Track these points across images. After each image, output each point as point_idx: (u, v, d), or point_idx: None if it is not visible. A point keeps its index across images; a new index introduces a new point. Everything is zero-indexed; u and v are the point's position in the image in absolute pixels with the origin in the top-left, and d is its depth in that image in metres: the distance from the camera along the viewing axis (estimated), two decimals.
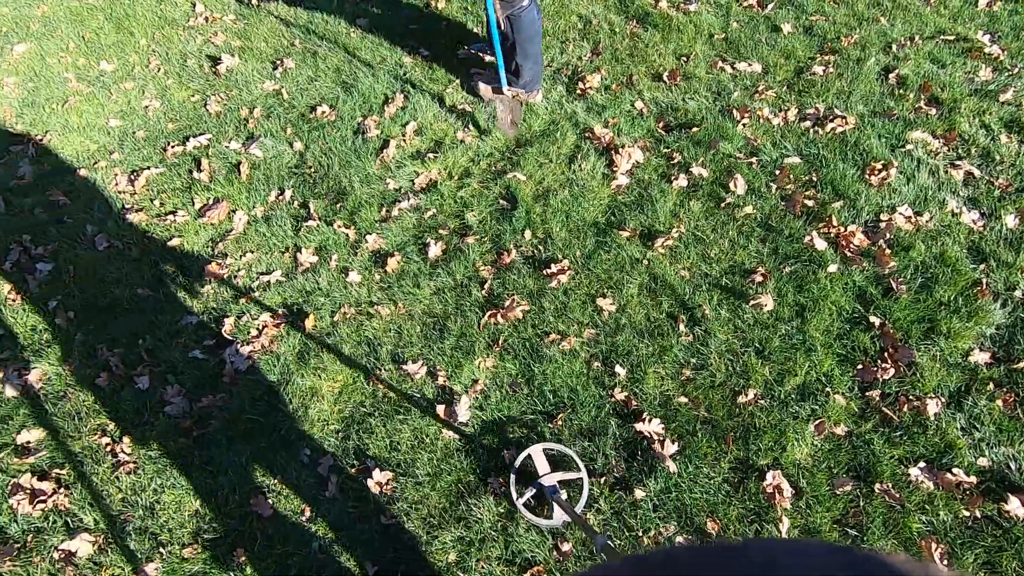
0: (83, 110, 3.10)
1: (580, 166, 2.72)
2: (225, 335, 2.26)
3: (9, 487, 1.93)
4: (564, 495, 1.73)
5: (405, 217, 2.58)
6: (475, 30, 3.39)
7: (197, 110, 3.07)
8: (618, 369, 2.10)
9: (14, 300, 2.40)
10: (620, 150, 2.74)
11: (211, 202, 2.67)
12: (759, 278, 2.29)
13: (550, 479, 1.74)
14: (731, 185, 2.57)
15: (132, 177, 2.78)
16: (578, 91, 3.02)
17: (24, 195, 2.73)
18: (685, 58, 3.14)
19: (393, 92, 3.07)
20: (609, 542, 1.21)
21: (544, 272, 2.36)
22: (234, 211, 2.63)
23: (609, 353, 2.15)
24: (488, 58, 3.19)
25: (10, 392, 2.12)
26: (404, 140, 2.87)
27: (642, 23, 3.34)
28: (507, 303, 2.26)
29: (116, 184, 2.76)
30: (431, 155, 2.78)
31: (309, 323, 2.26)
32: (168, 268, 2.47)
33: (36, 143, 2.92)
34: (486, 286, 2.35)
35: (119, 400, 2.12)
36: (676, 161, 2.70)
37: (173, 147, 2.90)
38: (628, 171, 2.71)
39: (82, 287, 2.43)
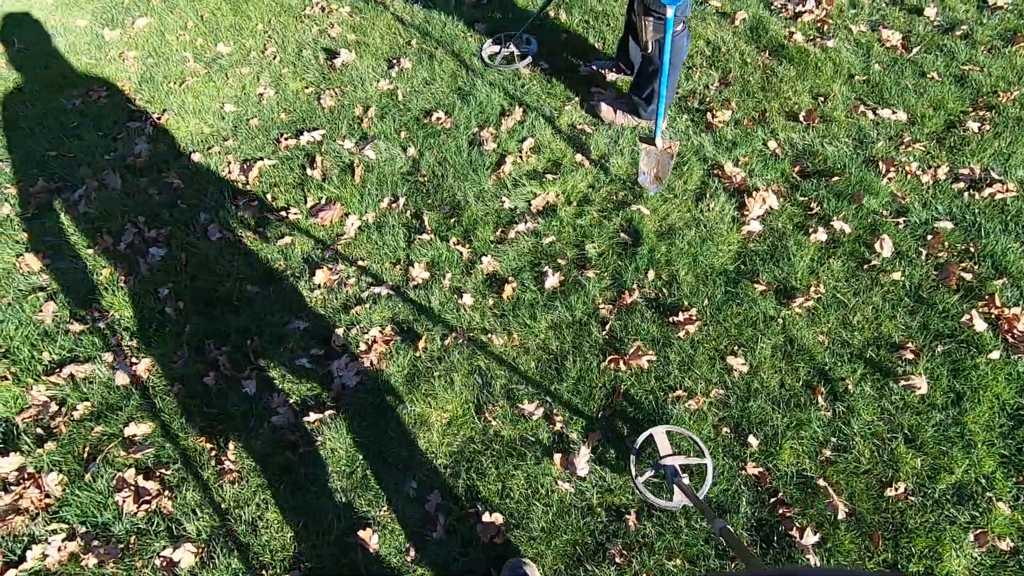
0: (199, 91, 3.08)
1: (708, 206, 2.55)
2: (333, 347, 2.17)
3: (115, 481, 1.88)
4: (686, 479, 1.67)
5: (522, 241, 2.45)
6: (596, 45, 3.24)
7: (311, 103, 3.00)
8: (751, 439, 1.93)
9: (125, 282, 2.36)
10: (753, 193, 2.56)
11: (323, 202, 2.60)
12: (908, 355, 2.08)
13: (672, 460, 1.71)
14: (876, 246, 2.36)
15: (245, 166, 2.73)
16: (705, 123, 2.84)
17: (140, 174, 2.71)
18: (823, 98, 2.93)
19: (511, 104, 2.94)
20: (729, 527, 1.15)
21: (670, 319, 2.20)
22: (347, 215, 2.55)
23: (740, 419, 1.98)
24: (611, 76, 3.04)
25: (120, 379, 2.08)
26: (521, 157, 2.74)
27: (775, 55, 3.13)
28: (631, 349, 2.12)
29: (229, 172, 2.71)
30: (549, 176, 2.65)
31: (420, 344, 2.16)
32: (278, 267, 2.40)
33: (153, 121, 2.90)
34: (607, 327, 2.20)
35: (226, 402, 2.05)
36: (814, 212, 2.50)
37: (286, 139, 2.84)
38: (760, 217, 2.52)
39: (193, 276, 2.38)
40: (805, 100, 2.93)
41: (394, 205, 2.59)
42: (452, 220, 2.54)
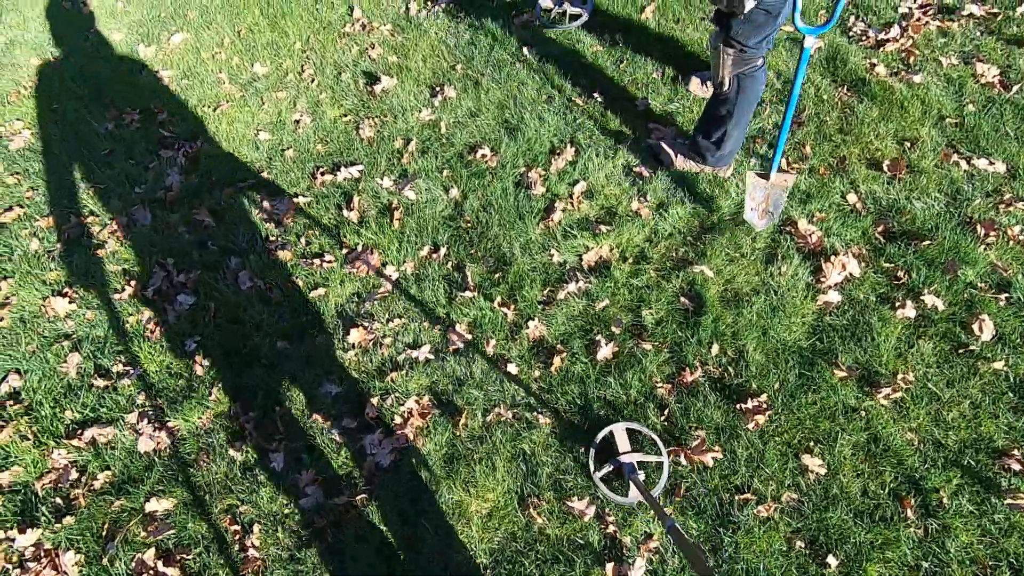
0: (234, 117, 2.92)
1: (780, 269, 2.29)
2: (367, 418, 2.01)
3: (133, 563, 1.76)
4: (642, 476, 1.70)
5: (572, 303, 2.24)
6: (654, 76, 2.98)
7: (348, 133, 2.82)
8: (830, 559, 1.70)
9: (152, 332, 2.23)
10: (831, 257, 2.29)
11: (360, 249, 2.42)
12: (1014, 464, 1.81)
13: (629, 457, 1.73)
14: (974, 327, 2.08)
15: (278, 204, 2.57)
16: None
17: (170, 209, 2.57)
18: (909, 143, 2.62)
19: (562, 141, 2.72)
20: (678, 526, 1.16)
21: (737, 406, 1.97)
22: (384, 265, 2.37)
23: (817, 532, 1.75)
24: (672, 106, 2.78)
25: (144, 446, 1.96)
26: (572, 203, 2.52)
27: (855, 91, 2.83)
28: (694, 442, 1.90)
29: (262, 210, 2.56)
30: (603, 227, 2.42)
31: (460, 420, 1.98)
32: (309, 320, 2.24)
33: (186, 151, 2.76)
34: (666, 411, 1.98)
35: (252, 479, 1.91)
36: (901, 282, 2.23)
37: (323, 174, 2.67)
38: (839, 285, 2.26)
39: (221, 327, 2.24)
40: (889, 146, 2.63)
41: (435, 255, 2.40)
42: (497, 275, 2.34)
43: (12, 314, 2.26)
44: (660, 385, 2.06)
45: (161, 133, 2.85)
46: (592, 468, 1.78)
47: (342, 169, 2.66)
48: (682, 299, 2.25)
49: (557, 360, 2.10)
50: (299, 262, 2.40)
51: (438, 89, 2.95)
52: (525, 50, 3.08)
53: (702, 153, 2.52)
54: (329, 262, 2.39)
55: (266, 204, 2.57)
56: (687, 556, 1.11)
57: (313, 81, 3.05)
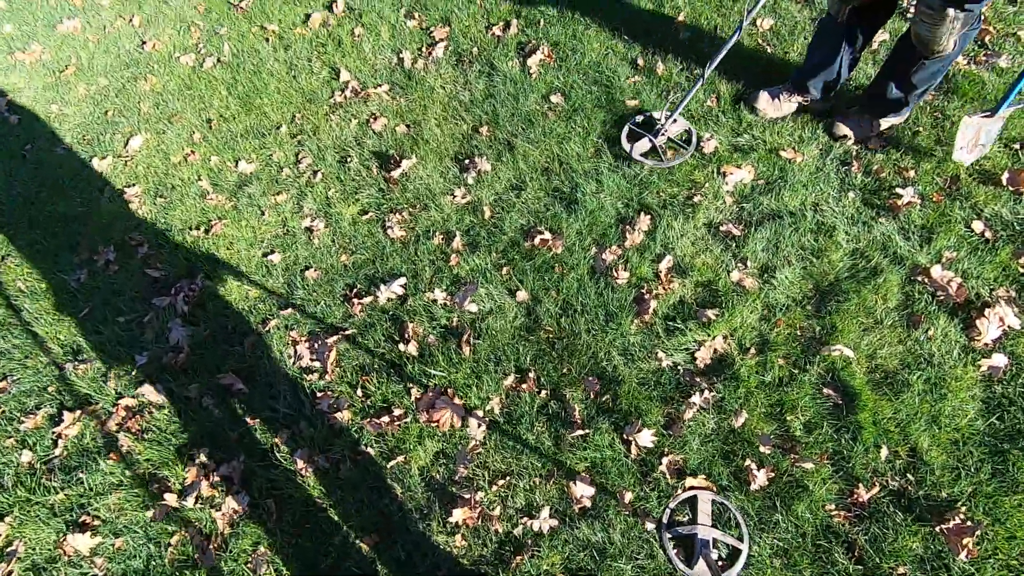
0: (232, 237, 2.41)
1: (926, 332, 1.94)
2: None
3: None
4: (715, 555, 1.58)
5: (702, 420, 1.86)
6: (708, 105, 2.55)
7: (375, 235, 2.35)
8: None
9: (202, 557, 1.78)
10: (982, 309, 1.95)
11: (431, 392, 1.99)
12: None
13: (707, 532, 1.61)
14: None
15: (316, 346, 2.11)
16: (884, 202, 2.20)
17: (185, 378, 2.09)
18: (1019, 144, 2.28)
19: (627, 206, 2.30)
20: None
21: (936, 528, 1.64)
22: (468, 411, 1.95)
23: None
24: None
25: None
26: (663, 285, 2.12)
27: (938, 89, 2.45)
28: None
29: (298, 358, 2.09)
30: (709, 312, 2.03)
31: None
32: (395, 505, 1.82)
33: (186, 293, 2.25)
34: (855, 551, 1.64)
35: None
36: None
37: (359, 297, 2.21)
38: (998, 342, 1.92)
39: (291, 533, 1.80)
40: (996, 153, 2.28)
41: (522, 385, 1.98)
42: (604, 398, 1.94)
43: (22, 566, 1.78)
44: (835, 513, 1.71)
45: (148, 275, 2.33)
46: (664, 522, 1.66)
47: (381, 287, 2.20)
48: (826, 391, 1.90)
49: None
50: (362, 423, 1.95)
51: (467, 161, 2.48)
52: (553, 98, 2.61)
53: (893, 107, 2.26)
54: (399, 417, 1.95)
55: (302, 349, 2.11)
56: None
57: (315, 174, 2.54)
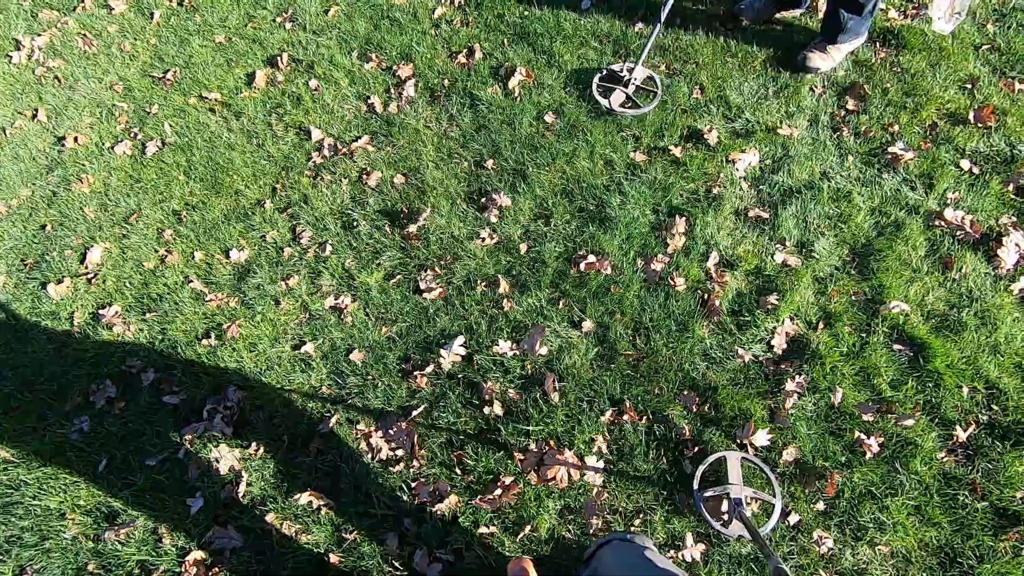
0: (251, 339, 2.16)
1: (959, 271, 2.11)
2: None
3: None
4: (749, 512, 1.62)
5: (802, 407, 1.91)
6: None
7: (410, 299, 2.19)
8: None
9: None
10: (1004, 239, 2.15)
11: (533, 450, 1.89)
12: None
13: (740, 491, 1.65)
14: None
15: (390, 433, 1.94)
16: (881, 160, 2.36)
17: (254, 514, 1.84)
18: (970, 84, 2.53)
19: (657, 211, 2.31)
20: (786, 568, 1.05)
21: None
22: (580, 458, 1.87)
23: None
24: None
25: None
26: (718, 283, 2.15)
27: (890, 46, 2.67)
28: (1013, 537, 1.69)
29: (375, 450, 1.91)
30: (770, 299, 2.09)
31: None
32: None
33: (223, 412, 1.99)
34: (976, 489, 1.75)
35: None
36: None
37: (416, 368, 2.05)
38: (1017, 265, 2.13)
39: None
40: (957, 96, 2.51)
41: (623, 417, 1.93)
42: (705, 407, 1.93)
43: None
44: (946, 459, 1.82)
45: (166, 403, 2.03)
46: (696, 487, 1.69)
47: (440, 352, 2.06)
48: (897, 347, 2.00)
49: (833, 480, 1.78)
50: (473, 503, 1.82)
51: (483, 200, 2.38)
52: (547, 117, 2.56)
53: (851, 30, 2.43)
54: (510, 486, 1.84)
55: (376, 440, 1.93)
56: None
57: (323, 247, 2.32)
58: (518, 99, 2.62)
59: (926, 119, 2.45)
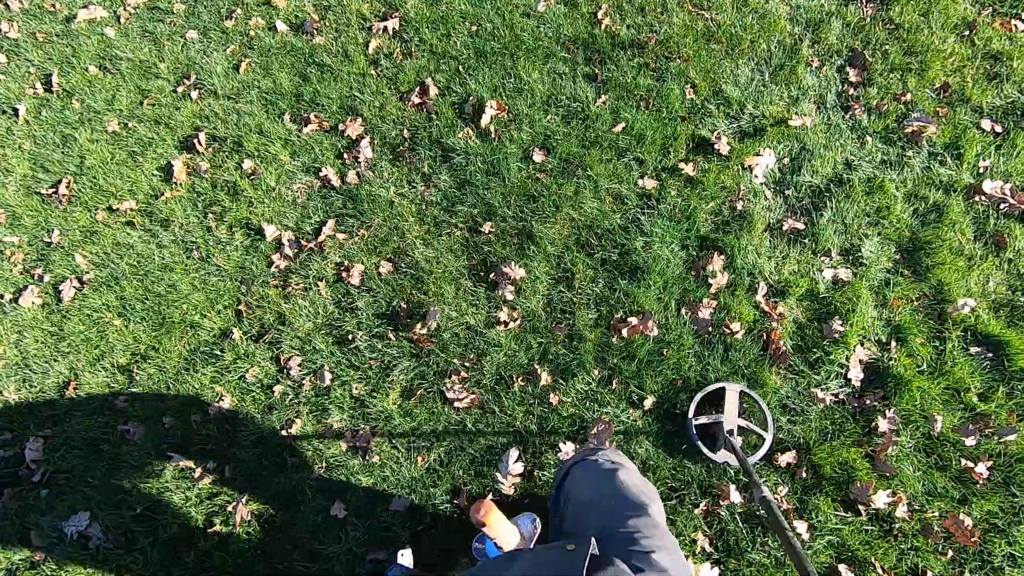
0: (265, 514, 1.78)
1: (1015, 250, 1.97)
2: None
3: None
4: (739, 442, 1.63)
5: (902, 446, 1.74)
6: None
7: (439, 416, 1.86)
8: None
9: None
10: None
11: None
12: None
13: (732, 421, 1.66)
14: None
15: None
16: (901, 135, 2.16)
17: None
18: (966, 30, 2.34)
19: (686, 246, 2.04)
20: (771, 498, 1.09)
21: None
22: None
23: None
24: None
25: None
26: (775, 317, 1.92)
27: (874, 1, 2.43)
28: None
29: None
30: (835, 325, 1.88)
31: None
32: None
33: None
34: None
35: None
36: None
37: (479, 499, 1.74)
38: None
39: None
40: (954, 45, 2.32)
41: (722, 502, 1.71)
42: (804, 472, 1.73)
43: None
44: None
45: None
46: (691, 413, 1.69)
47: (496, 476, 1.75)
48: (974, 350, 1.85)
49: (956, 524, 1.63)
50: None
51: (491, 276, 2.03)
52: (535, 156, 2.20)
53: None
54: None
55: None
56: (775, 528, 1.01)
57: (318, 375, 1.93)
58: (496, 140, 2.23)
59: (934, 79, 2.24)
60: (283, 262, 2.08)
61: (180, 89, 2.43)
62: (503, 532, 0.77)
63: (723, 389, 1.72)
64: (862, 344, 1.86)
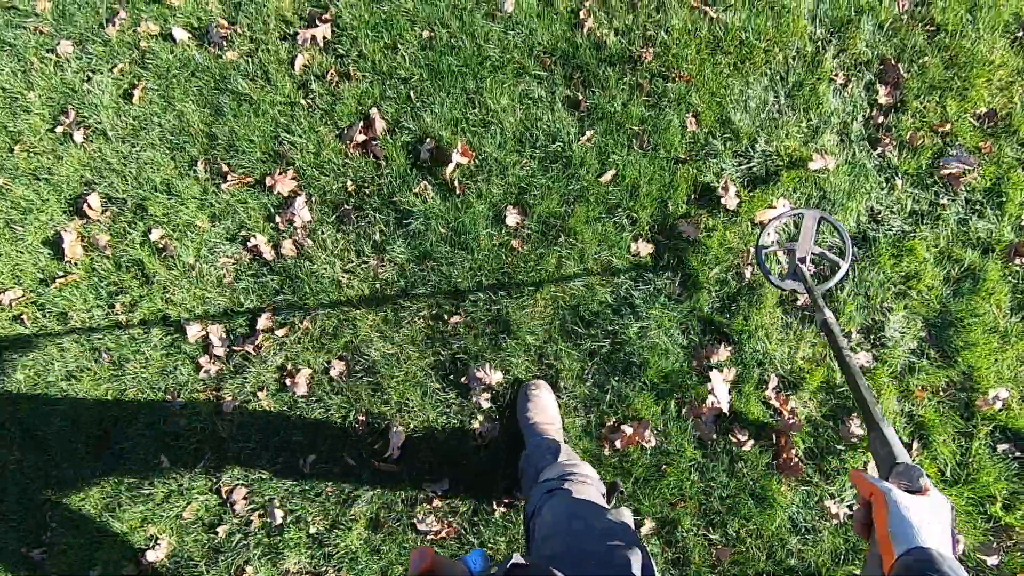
0: None
1: None
2: None
3: None
4: (809, 272, 1.47)
5: None
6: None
7: (414, 544, 1.60)
8: None
9: None
10: None
11: None
12: None
13: (806, 248, 1.51)
14: None
15: None
16: (936, 177, 1.80)
17: None
18: (1022, 30, 1.90)
19: (687, 332, 1.71)
20: (833, 324, 1.05)
21: None
22: None
23: None
24: None
25: None
26: (784, 417, 1.65)
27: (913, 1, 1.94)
28: None
29: None
30: (851, 425, 1.63)
31: None
32: None
33: None
34: None
35: None
36: None
37: None
38: None
39: None
40: (1006, 54, 1.89)
41: None
42: None
43: None
44: None
45: None
46: (760, 235, 1.54)
47: None
48: (1001, 448, 1.63)
49: None
50: None
51: (462, 379, 1.68)
52: (509, 217, 1.78)
53: None
54: None
55: None
56: (835, 352, 0.97)
57: (269, 509, 1.62)
58: (460, 195, 1.79)
59: (978, 101, 1.83)
60: (213, 366, 1.68)
61: (59, 129, 1.88)
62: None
63: (801, 215, 1.56)
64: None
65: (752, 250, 1.63)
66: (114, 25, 1.85)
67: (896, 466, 0.58)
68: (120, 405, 1.58)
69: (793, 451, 1.52)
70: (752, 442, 1.52)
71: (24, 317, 1.66)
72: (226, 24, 1.84)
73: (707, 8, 1.83)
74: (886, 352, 1.60)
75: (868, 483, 0.58)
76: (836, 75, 1.80)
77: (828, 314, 1.07)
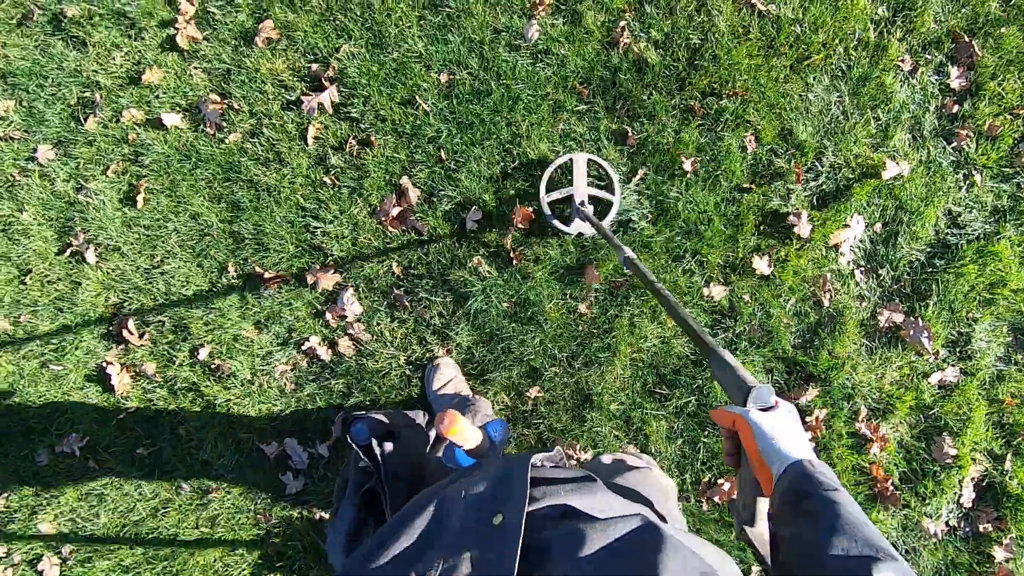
0: None
1: None
2: None
3: None
4: (591, 210, 1.49)
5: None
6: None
7: None
8: None
9: None
10: None
11: None
12: None
13: (582, 192, 1.52)
14: None
15: None
16: (1018, 166, 1.62)
17: None
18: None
19: (771, 371, 1.61)
20: (635, 257, 1.08)
21: None
22: None
23: None
24: None
25: None
26: (877, 444, 1.60)
27: None
28: None
29: None
30: (945, 446, 1.57)
31: None
32: None
33: None
34: None
35: None
36: None
37: None
38: None
39: None
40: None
41: None
42: None
43: None
44: None
45: None
46: (543, 191, 1.52)
47: None
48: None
49: None
50: None
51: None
52: (572, 284, 1.61)
53: None
54: None
55: None
56: (642, 280, 0.99)
57: None
58: (518, 264, 1.62)
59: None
60: (297, 483, 1.60)
61: (69, 252, 1.66)
62: (471, 439, 0.65)
63: (571, 160, 1.53)
64: (974, 461, 1.57)
65: (542, 197, 1.55)
66: (95, 117, 1.57)
67: (751, 391, 0.59)
68: (210, 541, 1.50)
69: (889, 481, 1.46)
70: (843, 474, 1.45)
71: (91, 462, 1.53)
72: (218, 99, 1.57)
73: (754, 1, 1.54)
74: (973, 365, 1.51)
75: (729, 413, 0.60)
76: (903, 61, 1.56)
77: (627, 251, 1.07)
